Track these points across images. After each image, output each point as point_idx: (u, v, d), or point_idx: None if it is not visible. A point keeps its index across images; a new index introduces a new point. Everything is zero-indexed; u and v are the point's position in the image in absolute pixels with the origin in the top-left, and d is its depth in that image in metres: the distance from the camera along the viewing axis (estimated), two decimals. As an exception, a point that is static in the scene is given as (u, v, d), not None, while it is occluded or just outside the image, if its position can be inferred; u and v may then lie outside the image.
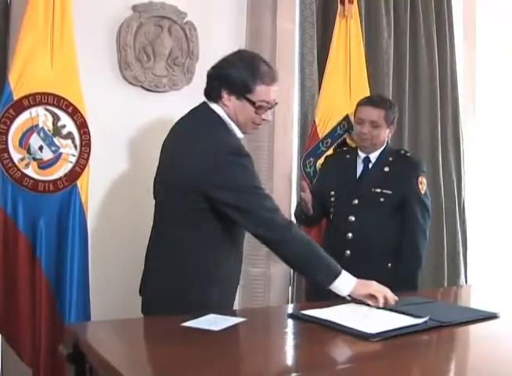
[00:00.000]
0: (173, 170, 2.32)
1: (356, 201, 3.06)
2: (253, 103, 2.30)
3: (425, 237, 3.06)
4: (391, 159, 3.11)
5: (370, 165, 3.14)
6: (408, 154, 3.21)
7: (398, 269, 2.99)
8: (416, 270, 3.02)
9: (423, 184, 3.07)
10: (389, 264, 3.01)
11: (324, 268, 2.27)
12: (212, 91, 2.34)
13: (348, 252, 3.04)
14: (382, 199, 3.03)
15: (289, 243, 2.25)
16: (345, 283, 2.26)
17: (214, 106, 2.34)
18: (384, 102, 3.14)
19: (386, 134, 3.13)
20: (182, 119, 2.44)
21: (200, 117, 2.37)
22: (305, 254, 2.27)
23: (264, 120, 2.38)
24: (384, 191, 3.03)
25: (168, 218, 2.37)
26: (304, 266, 2.32)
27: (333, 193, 3.12)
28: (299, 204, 3.21)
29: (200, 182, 2.20)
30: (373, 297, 2.25)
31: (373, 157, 3.13)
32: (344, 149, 3.41)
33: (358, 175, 3.14)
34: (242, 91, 2.29)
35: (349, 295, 2.27)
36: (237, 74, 2.28)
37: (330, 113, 3.48)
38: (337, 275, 2.25)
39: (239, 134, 2.36)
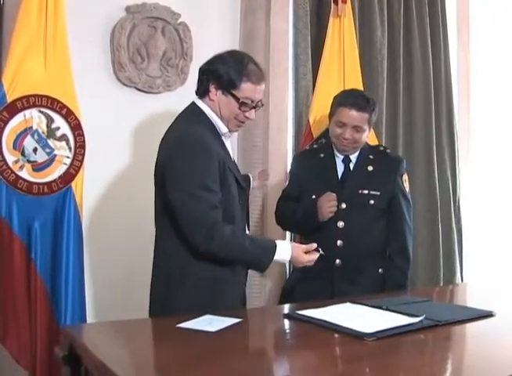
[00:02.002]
0: (157, 171, 2.36)
1: (344, 205, 2.84)
2: (237, 99, 2.35)
3: (412, 236, 2.98)
4: (371, 157, 2.95)
5: (352, 165, 2.94)
6: (387, 151, 3.07)
7: (389, 271, 2.88)
8: (407, 272, 2.92)
9: (406, 182, 2.97)
10: (380, 269, 2.89)
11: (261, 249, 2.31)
12: (201, 85, 2.40)
13: (339, 261, 2.83)
14: (372, 201, 2.86)
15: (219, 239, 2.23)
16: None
17: (199, 102, 2.41)
18: (369, 105, 2.86)
19: (367, 135, 2.94)
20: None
21: (182, 116, 2.42)
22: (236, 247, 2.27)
23: (247, 118, 2.41)
24: (372, 192, 2.87)
25: (157, 221, 2.41)
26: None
27: (314, 197, 2.85)
28: (309, 212, 2.87)
29: (164, 179, 2.27)
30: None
31: (354, 156, 2.94)
32: (315, 146, 3.16)
33: (339, 176, 2.93)
34: (228, 86, 2.34)
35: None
36: (225, 70, 2.34)
37: (325, 113, 3.45)
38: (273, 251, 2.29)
39: (223, 128, 2.39)
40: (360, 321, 2.05)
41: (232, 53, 2.44)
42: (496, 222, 4.65)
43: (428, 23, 4.19)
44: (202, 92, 2.40)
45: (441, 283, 4.09)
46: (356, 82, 3.56)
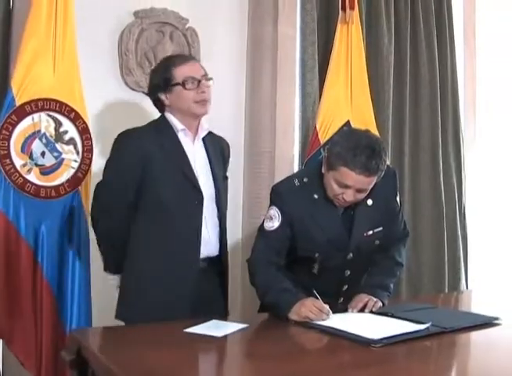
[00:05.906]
0: None
1: (351, 255, 2.43)
2: (178, 84, 2.50)
3: (405, 251, 2.70)
4: None
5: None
6: None
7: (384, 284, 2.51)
8: (395, 281, 2.62)
9: (398, 196, 2.60)
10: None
11: None
12: (156, 104, 2.62)
13: (342, 299, 2.51)
14: (377, 241, 2.48)
15: None
16: None
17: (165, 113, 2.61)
18: (382, 163, 2.28)
19: None
20: None
21: None
22: None
23: (203, 94, 2.51)
24: (376, 230, 2.46)
25: None
26: None
27: (317, 254, 2.42)
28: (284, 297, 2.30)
29: None
30: None
31: None
32: (297, 184, 2.44)
33: (341, 222, 2.44)
34: (167, 84, 2.51)
35: None
36: (156, 77, 2.57)
37: (331, 119, 3.48)
38: None
39: (179, 126, 2.54)
40: (367, 328, 2.05)
41: (156, 65, 2.75)
42: (502, 229, 4.65)
43: (435, 29, 4.19)
44: (161, 108, 2.60)
45: (446, 290, 4.08)
46: (363, 88, 3.58)
